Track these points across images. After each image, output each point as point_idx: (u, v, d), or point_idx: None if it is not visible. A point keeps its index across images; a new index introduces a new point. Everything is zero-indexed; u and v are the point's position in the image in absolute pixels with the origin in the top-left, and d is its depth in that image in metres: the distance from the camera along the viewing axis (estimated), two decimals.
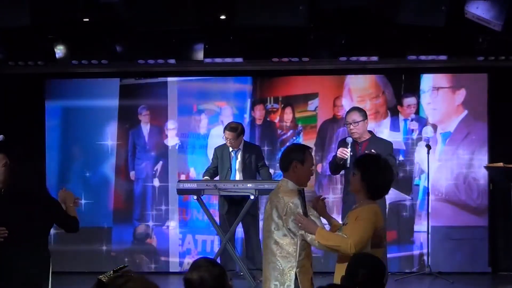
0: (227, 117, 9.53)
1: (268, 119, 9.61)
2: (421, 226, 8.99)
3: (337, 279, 4.38)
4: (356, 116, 6.93)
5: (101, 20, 8.23)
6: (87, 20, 8.21)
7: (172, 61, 8.70)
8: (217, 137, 9.39)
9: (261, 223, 8.61)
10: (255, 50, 8.65)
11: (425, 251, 8.80)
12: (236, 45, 8.53)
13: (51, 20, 7.82)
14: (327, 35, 8.69)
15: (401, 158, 9.16)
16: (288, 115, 9.58)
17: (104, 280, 2.80)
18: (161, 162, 9.65)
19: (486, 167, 7.98)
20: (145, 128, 9.74)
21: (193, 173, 9.58)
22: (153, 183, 9.63)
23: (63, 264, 8.69)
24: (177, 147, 9.65)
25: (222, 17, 8.25)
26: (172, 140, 9.66)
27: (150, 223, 9.54)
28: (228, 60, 8.62)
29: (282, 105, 9.58)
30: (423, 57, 8.58)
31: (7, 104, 9.17)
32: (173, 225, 9.54)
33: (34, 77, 9.17)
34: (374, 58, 8.61)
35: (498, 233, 8.90)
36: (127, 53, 8.86)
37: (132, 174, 9.62)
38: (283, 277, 4.47)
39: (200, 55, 8.69)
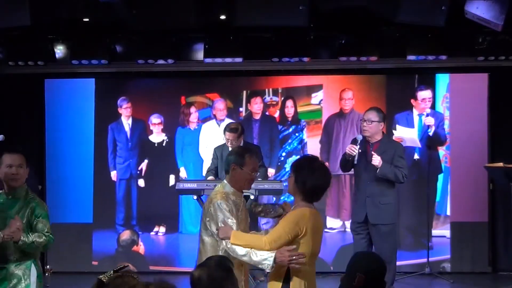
0: (220, 111, 9.06)
1: (266, 113, 9.10)
2: (439, 230, 8.74)
3: None
4: (372, 116, 6.87)
5: (101, 20, 8.23)
6: (87, 20, 8.21)
7: (172, 61, 8.70)
8: (210, 133, 8.96)
9: (260, 223, 8.63)
10: (255, 50, 8.65)
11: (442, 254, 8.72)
12: (236, 45, 8.52)
13: (51, 20, 7.82)
14: (327, 35, 8.69)
15: (416, 156, 8.75)
16: (289, 109, 9.05)
17: (104, 280, 2.80)
18: (146, 161, 9.11)
19: (486, 167, 7.97)
20: (127, 122, 9.15)
21: (183, 173, 9.05)
22: (138, 184, 9.12)
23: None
24: (164, 144, 9.12)
25: (222, 17, 8.25)
26: (157, 136, 9.12)
27: (136, 229, 9.05)
28: (228, 60, 8.61)
29: (283, 98, 9.06)
30: (422, 57, 8.57)
31: (7, 104, 9.17)
32: (162, 230, 9.07)
33: (34, 77, 9.17)
34: (374, 58, 8.60)
35: (498, 233, 8.90)
36: (127, 53, 8.87)
37: (113, 174, 9.14)
38: None
39: (200, 55, 8.69)
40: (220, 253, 4.38)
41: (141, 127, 9.12)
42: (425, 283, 8.41)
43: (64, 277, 8.55)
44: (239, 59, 8.60)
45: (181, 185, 7.75)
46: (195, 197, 7.83)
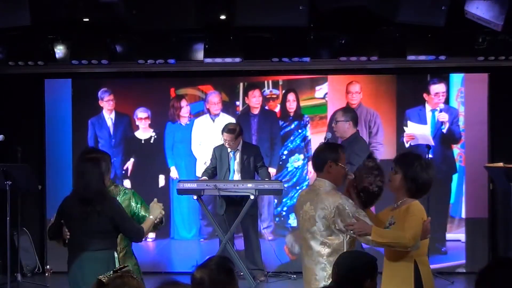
0: (215, 104, 8.63)
1: (266, 107, 8.64)
2: (454, 234, 8.47)
3: (385, 277, 4.44)
4: (338, 116, 7.16)
5: (101, 20, 8.23)
6: (87, 20, 8.21)
7: (172, 61, 8.69)
8: (203, 129, 8.57)
9: (261, 228, 8.59)
10: (255, 50, 8.63)
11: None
12: (236, 45, 8.51)
13: (51, 20, 7.83)
14: (327, 35, 8.68)
15: (429, 155, 8.13)
16: (291, 103, 8.59)
17: (104, 280, 2.81)
18: (132, 160, 8.60)
19: (486, 167, 7.97)
20: (109, 117, 8.62)
21: (174, 173, 8.59)
22: (123, 185, 8.34)
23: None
24: (152, 141, 8.59)
25: (222, 17, 8.24)
26: (144, 132, 8.60)
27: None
28: (228, 60, 8.60)
29: (284, 91, 8.60)
30: (422, 57, 8.55)
31: (7, 104, 9.17)
32: (151, 236, 8.56)
33: (34, 77, 9.16)
34: (374, 58, 8.59)
35: (498, 233, 8.89)
36: (127, 53, 8.86)
37: None
38: None
39: (200, 55, 8.67)
40: (345, 245, 4.45)
41: (125, 122, 8.62)
42: None
43: (64, 277, 8.54)
44: (239, 59, 8.59)
45: (181, 185, 7.75)
46: (195, 197, 7.82)
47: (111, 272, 2.85)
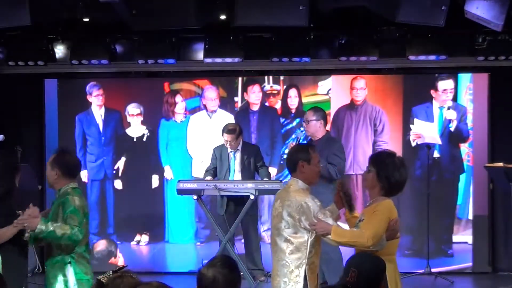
0: (211, 100, 8.35)
1: (266, 104, 8.36)
2: (460, 236, 8.29)
3: None
4: (309, 115, 7.06)
5: (101, 20, 8.24)
6: (87, 20, 8.21)
7: (172, 61, 8.68)
8: (199, 126, 8.30)
9: (260, 231, 8.58)
10: (255, 50, 8.64)
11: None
12: (236, 45, 8.52)
13: (51, 20, 7.83)
14: (327, 35, 8.68)
15: (436, 155, 8.17)
16: (292, 99, 8.32)
17: (103, 280, 2.81)
18: (123, 159, 8.22)
19: (486, 167, 7.96)
20: (98, 113, 8.25)
21: (168, 173, 8.28)
22: (114, 186, 8.22)
23: None
24: (144, 139, 8.23)
25: (222, 17, 8.25)
26: (136, 129, 8.23)
27: (114, 238, 8.12)
28: (228, 60, 8.59)
29: (285, 87, 8.33)
30: (423, 57, 8.55)
31: (7, 104, 9.17)
32: (144, 239, 8.25)
33: (34, 77, 9.16)
34: (374, 58, 8.58)
35: (498, 233, 8.88)
36: (127, 53, 8.86)
37: (83, 174, 8.07)
38: (292, 274, 4.59)
39: (200, 55, 8.67)
40: (308, 245, 4.52)
41: (116, 119, 8.28)
42: (425, 283, 8.39)
43: None
44: (239, 59, 8.58)
45: (181, 185, 7.73)
46: (195, 197, 7.80)
47: (111, 272, 2.86)
